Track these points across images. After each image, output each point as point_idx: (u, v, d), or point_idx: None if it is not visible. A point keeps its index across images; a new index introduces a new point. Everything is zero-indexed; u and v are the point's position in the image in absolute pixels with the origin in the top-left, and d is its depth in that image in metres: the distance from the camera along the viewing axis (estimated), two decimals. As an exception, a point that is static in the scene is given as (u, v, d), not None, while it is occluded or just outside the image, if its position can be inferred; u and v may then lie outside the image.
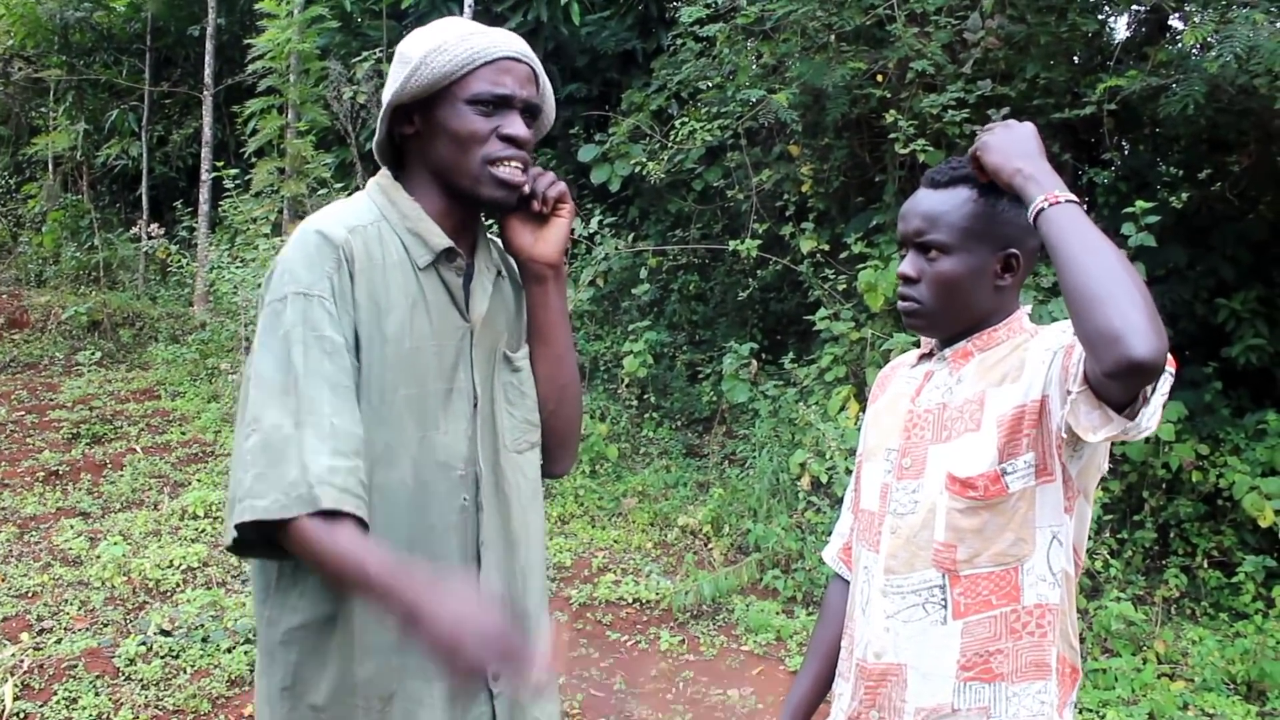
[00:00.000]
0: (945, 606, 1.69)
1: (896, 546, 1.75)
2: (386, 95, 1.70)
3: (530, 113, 1.71)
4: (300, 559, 1.54)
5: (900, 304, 1.80)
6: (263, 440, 1.51)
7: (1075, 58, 6.62)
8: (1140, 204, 5.28)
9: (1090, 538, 5.11)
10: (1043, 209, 1.53)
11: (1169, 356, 1.42)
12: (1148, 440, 5.58)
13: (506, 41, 1.68)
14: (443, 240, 1.69)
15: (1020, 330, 1.76)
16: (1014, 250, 1.73)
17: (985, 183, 1.71)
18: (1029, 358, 1.66)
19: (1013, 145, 1.64)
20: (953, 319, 1.77)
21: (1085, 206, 1.55)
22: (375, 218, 1.69)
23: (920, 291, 1.75)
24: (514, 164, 1.68)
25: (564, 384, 1.87)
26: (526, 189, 1.72)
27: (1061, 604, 1.68)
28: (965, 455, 1.68)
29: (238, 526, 1.50)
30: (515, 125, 1.66)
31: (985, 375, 1.72)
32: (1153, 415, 1.47)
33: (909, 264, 1.76)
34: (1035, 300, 5.58)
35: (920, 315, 1.77)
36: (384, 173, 1.76)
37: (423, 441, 1.65)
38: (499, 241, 1.87)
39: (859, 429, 2.26)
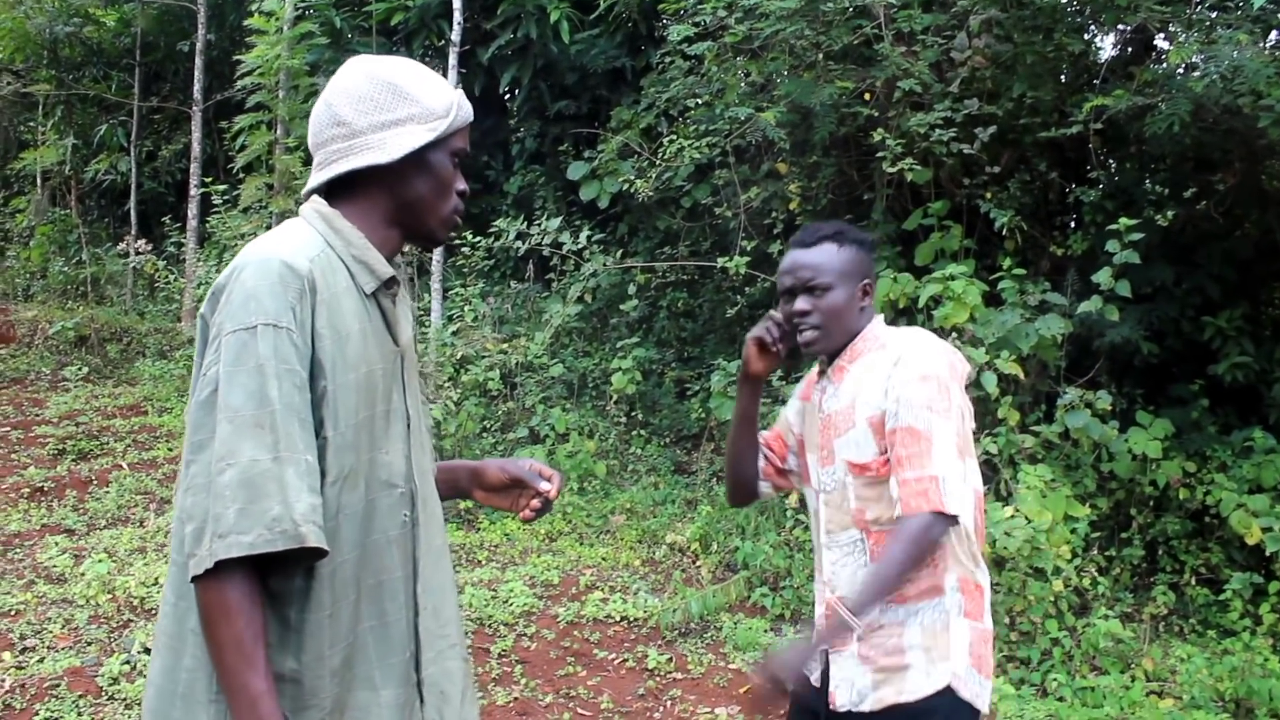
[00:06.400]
0: (865, 553, 2.30)
1: (830, 513, 2.37)
2: (397, 130, 1.75)
3: None
4: (207, 604, 1.54)
5: (801, 336, 2.34)
6: (241, 475, 1.52)
7: (1062, 77, 6.66)
8: (1124, 221, 5.31)
9: (1078, 555, 5.13)
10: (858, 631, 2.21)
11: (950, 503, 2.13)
12: (1135, 457, 5.59)
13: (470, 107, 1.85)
14: (387, 269, 1.76)
15: (874, 340, 2.36)
16: (868, 280, 2.38)
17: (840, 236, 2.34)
18: (876, 380, 2.26)
19: (792, 662, 2.15)
20: (838, 338, 2.35)
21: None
22: (323, 247, 1.72)
23: (815, 321, 2.32)
24: (460, 215, 1.87)
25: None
26: (551, 497, 1.98)
27: (948, 542, 2.22)
28: (854, 447, 2.28)
29: (221, 562, 1.51)
30: (465, 182, 1.85)
31: (854, 387, 2.31)
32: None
33: (803, 303, 2.32)
34: (1024, 318, 5.60)
35: (818, 341, 2.34)
36: (320, 201, 1.78)
37: (372, 462, 1.72)
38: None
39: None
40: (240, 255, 1.68)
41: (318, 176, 1.78)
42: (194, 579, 1.53)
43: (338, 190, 1.78)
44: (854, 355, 2.35)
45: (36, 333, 10.60)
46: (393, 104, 1.73)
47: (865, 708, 2.26)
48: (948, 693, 2.22)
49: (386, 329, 1.78)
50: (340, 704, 1.66)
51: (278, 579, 1.60)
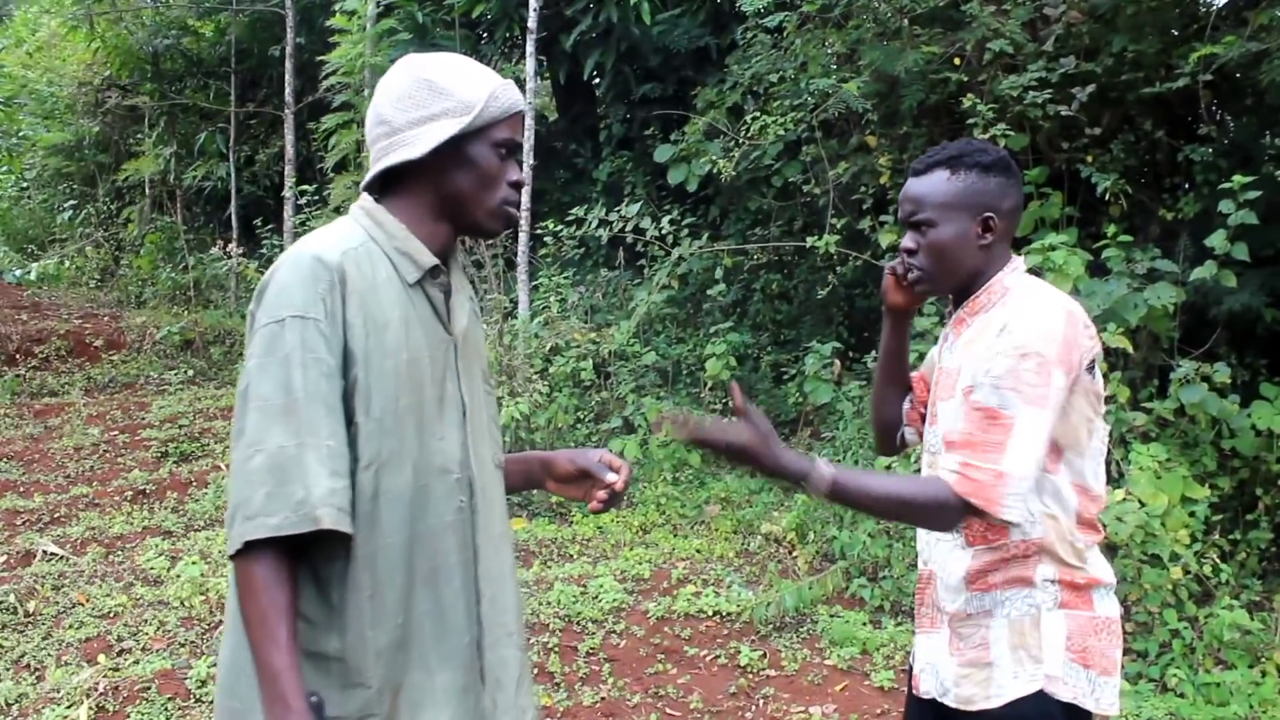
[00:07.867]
0: (961, 534, 2.08)
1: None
2: (431, 125, 1.77)
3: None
4: (239, 581, 1.63)
5: (908, 275, 2.15)
6: (269, 460, 1.61)
7: (1169, 29, 6.25)
8: (1238, 179, 4.94)
9: (1198, 539, 4.80)
10: (824, 492, 1.92)
11: (969, 500, 1.91)
12: (1259, 433, 5.21)
13: (520, 95, 1.88)
14: (429, 259, 1.82)
15: (999, 294, 2.08)
16: (990, 213, 2.06)
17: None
18: (981, 348, 2.02)
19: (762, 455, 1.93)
20: (948, 279, 2.11)
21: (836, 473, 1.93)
22: (363, 240, 1.80)
23: (920, 260, 2.11)
24: (514, 206, 1.89)
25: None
26: (618, 489, 2.00)
27: (1045, 536, 2.01)
28: (951, 419, 2.07)
29: (249, 542, 1.60)
30: (519, 173, 1.88)
31: (966, 348, 2.08)
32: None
33: (908, 240, 2.12)
34: (1131, 288, 5.26)
35: (924, 280, 2.13)
36: (366, 198, 1.86)
37: (422, 447, 1.77)
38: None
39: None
40: (283, 253, 1.77)
41: (369, 174, 1.86)
42: (229, 558, 1.63)
43: (389, 186, 1.84)
44: (975, 307, 2.10)
45: (145, 338, 10.89)
46: (428, 100, 1.78)
47: (948, 702, 2.11)
48: (1040, 697, 1.99)
49: (436, 317, 1.83)
50: (393, 684, 1.72)
51: (323, 563, 1.68)
